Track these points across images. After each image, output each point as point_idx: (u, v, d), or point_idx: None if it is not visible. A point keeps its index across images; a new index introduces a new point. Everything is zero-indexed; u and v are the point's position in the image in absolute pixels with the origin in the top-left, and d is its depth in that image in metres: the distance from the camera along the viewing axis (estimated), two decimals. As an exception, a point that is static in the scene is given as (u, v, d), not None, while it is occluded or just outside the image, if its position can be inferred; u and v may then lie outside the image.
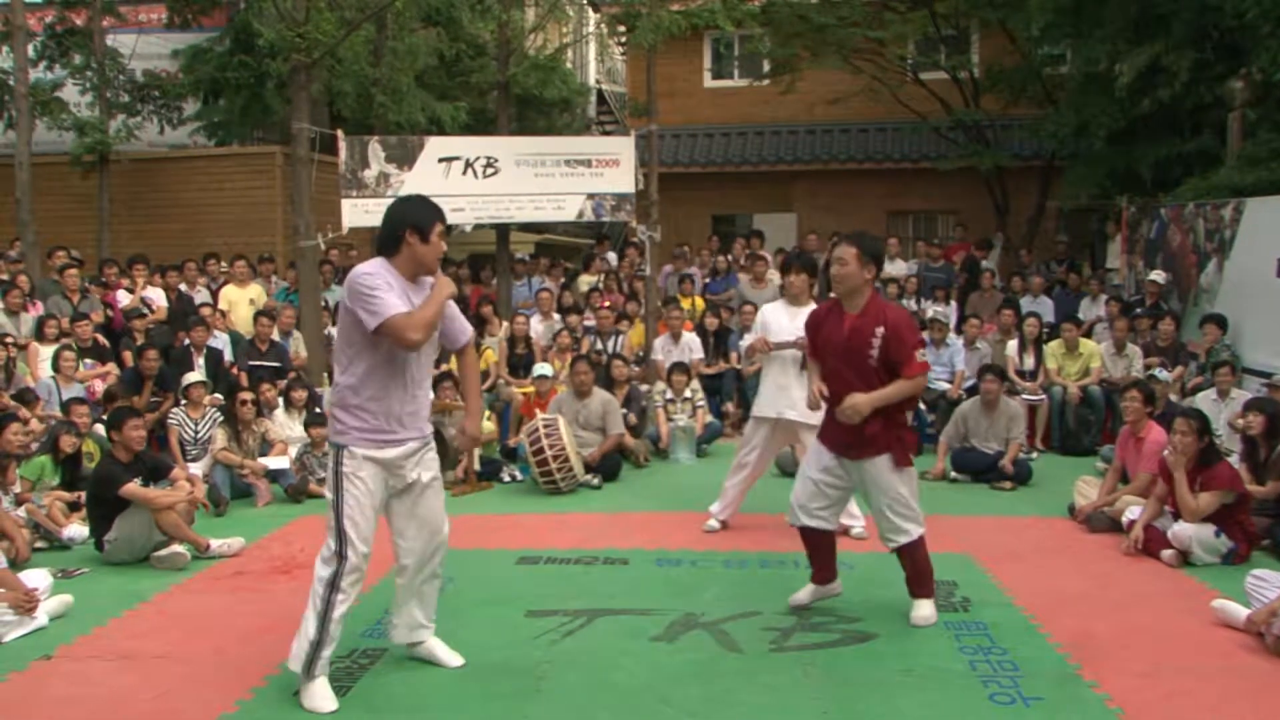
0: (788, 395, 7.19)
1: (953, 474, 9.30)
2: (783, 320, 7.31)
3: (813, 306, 7.28)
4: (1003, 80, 16.01)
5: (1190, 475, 6.61)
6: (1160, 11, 12.41)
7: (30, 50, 14.59)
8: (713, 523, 7.49)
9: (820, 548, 5.65)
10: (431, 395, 4.88)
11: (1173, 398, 9.71)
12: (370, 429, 4.47)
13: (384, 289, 4.33)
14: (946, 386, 10.81)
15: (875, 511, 5.47)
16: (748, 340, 7.66)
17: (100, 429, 8.73)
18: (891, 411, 5.27)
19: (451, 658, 4.93)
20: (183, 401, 9.41)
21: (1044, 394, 10.68)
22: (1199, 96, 12.48)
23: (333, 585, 4.45)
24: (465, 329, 4.93)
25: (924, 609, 5.47)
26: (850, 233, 5.51)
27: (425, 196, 4.69)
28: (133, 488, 6.75)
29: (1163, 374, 9.82)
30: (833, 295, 5.48)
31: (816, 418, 7.10)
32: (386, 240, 4.50)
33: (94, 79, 15.42)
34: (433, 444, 4.75)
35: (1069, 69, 15.38)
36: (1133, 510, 7.08)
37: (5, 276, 10.84)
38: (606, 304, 12.43)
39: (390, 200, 11.61)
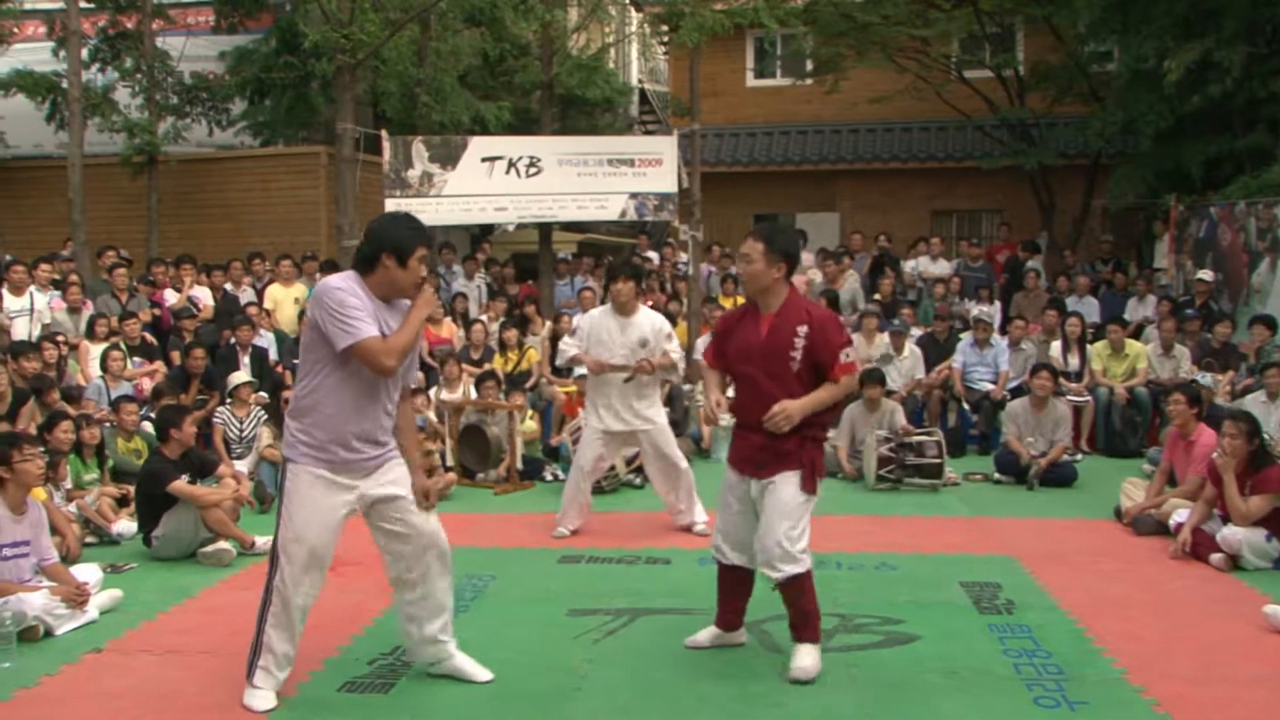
0: (627, 404, 7.16)
1: (996, 475, 9.23)
2: (612, 332, 7.14)
3: (643, 314, 7.26)
4: (1048, 78, 15.85)
5: (1240, 478, 6.51)
6: (1211, 6, 12.23)
7: (83, 54, 14.81)
8: (563, 530, 7.40)
9: (735, 588, 5.04)
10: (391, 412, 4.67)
11: (1220, 400, 9.57)
12: (319, 446, 4.29)
13: (356, 308, 4.14)
14: (990, 387, 10.72)
15: (765, 534, 4.70)
16: (569, 347, 7.38)
17: (148, 426, 8.86)
18: (810, 424, 4.69)
19: (480, 672, 4.69)
20: (228, 400, 9.51)
21: (1089, 395, 10.57)
22: (1251, 92, 12.30)
23: (266, 597, 4.39)
24: (413, 375, 4.66)
25: (806, 658, 4.72)
26: (759, 226, 4.95)
27: (411, 216, 4.44)
28: (180, 485, 6.84)
29: (1205, 379, 9.69)
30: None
31: (660, 420, 7.19)
32: (363, 258, 4.28)
33: (143, 81, 15.64)
34: (396, 457, 4.51)
35: (1116, 66, 15.19)
36: (1180, 513, 6.98)
37: (58, 276, 11.02)
38: (648, 303, 12.43)
39: (434, 200, 11.88)
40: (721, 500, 5.03)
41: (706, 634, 5.16)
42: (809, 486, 4.68)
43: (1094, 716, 4.33)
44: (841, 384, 4.69)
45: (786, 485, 4.68)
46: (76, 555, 6.67)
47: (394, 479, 4.47)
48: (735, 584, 5.03)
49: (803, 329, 4.66)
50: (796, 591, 4.72)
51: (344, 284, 4.23)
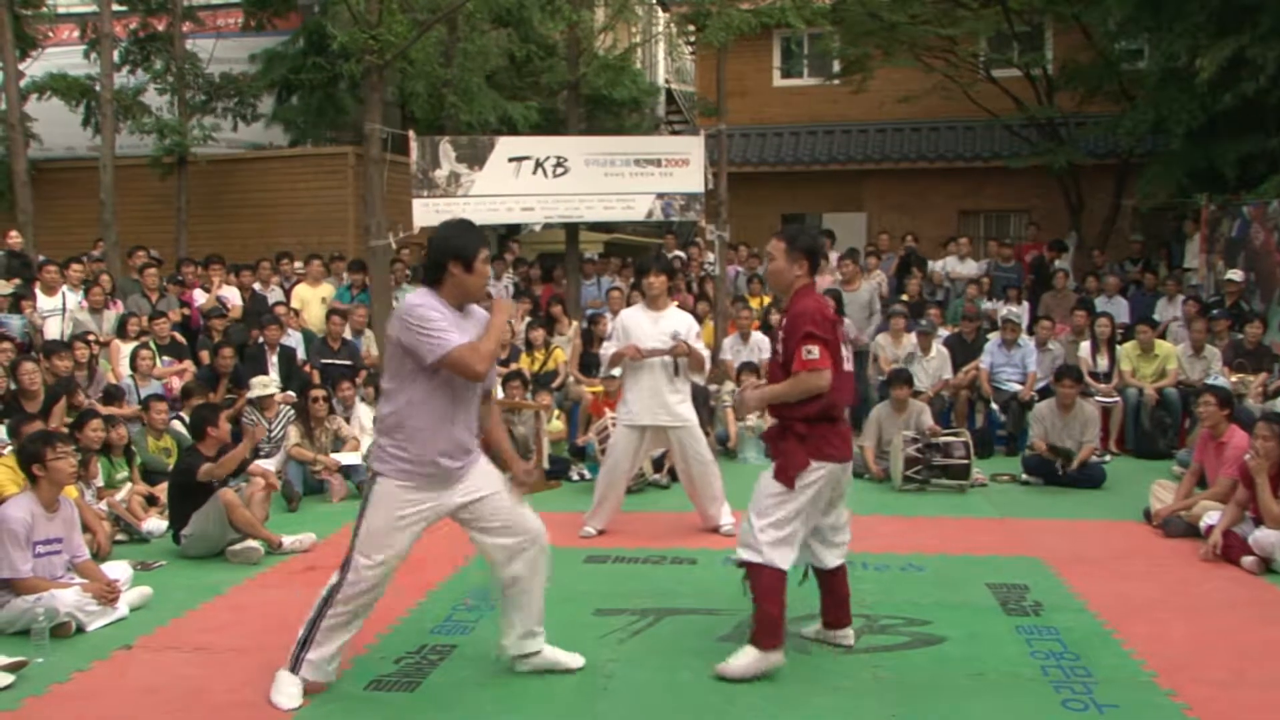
0: (660, 400, 7.18)
1: (1024, 477, 9.17)
2: (644, 325, 7.22)
3: (674, 310, 7.34)
4: (1078, 76, 15.71)
5: (1273, 480, 6.45)
6: (1245, 2, 12.09)
7: (114, 56, 14.95)
8: (589, 529, 7.39)
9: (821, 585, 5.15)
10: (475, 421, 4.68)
11: (1251, 402, 9.48)
12: (414, 461, 4.38)
13: (440, 320, 4.24)
14: (1018, 388, 10.66)
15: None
16: (610, 348, 7.42)
17: (177, 425, 8.94)
18: (786, 417, 4.77)
19: (572, 659, 4.83)
20: (252, 408, 9.52)
21: (1118, 396, 10.49)
22: (1286, 90, 12.16)
23: (328, 598, 4.47)
24: (492, 378, 4.74)
25: (738, 657, 4.70)
26: (783, 227, 5.01)
27: (469, 222, 4.56)
28: (208, 465, 6.91)
29: (1218, 378, 9.64)
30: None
31: (692, 419, 7.22)
32: (431, 270, 4.40)
33: (173, 82, 15.77)
34: (477, 462, 4.60)
35: (1147, 64, 15.05)
36: (1210, 515, 6.92)
37: (89, 276, 11.13)
38: (676, 303, 12.41)
39: (462, 200, 11.90)
40: None
41: (812, 629, 5.23)
42: (780, 477, 4.71)
43: (1123, 720, 4.30)
44: (799, 379, 4.64)
45: (766, 475, 4.81)
46: (107, 553, 6.74)
47: (474, 483, 4.54)
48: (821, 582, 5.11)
49: (784, 322, 4.81)
50: (755, 584, 4.74)
51: (423, 299, 4.33)
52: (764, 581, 4.70)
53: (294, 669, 4.49)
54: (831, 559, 5.05)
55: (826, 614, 5.15)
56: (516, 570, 4.64)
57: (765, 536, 4.68)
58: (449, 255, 4.34)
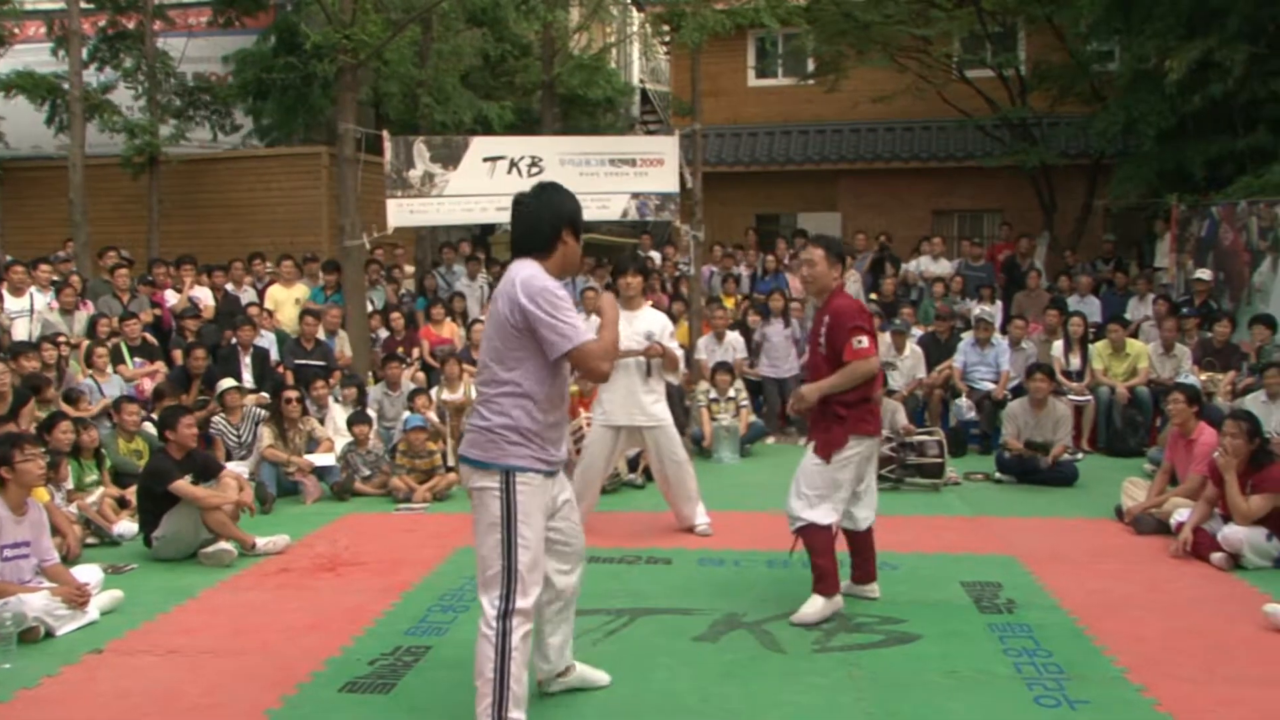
0: (635, 400, 7.19)
1: (998, 475, 9.22)
2: (620, 325, 7.20)
3: (648, 310, 7.39)
4: (1050, 77, 15.85)
5: (1241, 478, 6.50)
6: (1214, 5, 12.22)
7: (83, 53, 14.82)
8: None
9: (851, 545, 5.81)
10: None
11: (1220, 400, 9.57)
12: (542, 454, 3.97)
13: (572, 308, 3.83)
14: (991, 387, 10.71)
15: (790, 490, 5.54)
16: None
17: (149, 427, 8.86)
18: (829, 400, 5.36)
19: (600, 676, 4.62)
20: (220, 413, 9.45)
21: (1090, 395, 10.56)
22: (1253, 92, 12.28)
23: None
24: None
25: (807, 605, 5.46)
26: (816, 235, 5.76)
27: (559, 184, 4.10)
28: (182, 484, 6.84)
29: (1191, 378, 9.73)
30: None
31: (667, 419, 7.30)
32: (539, 239, 3.93)
33: (144, 82, 15.64)
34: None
35: (1118, 66, 15.19)
36: (1181, 513, 6.98)
37: (56, 278, 11.02)
38: (650, 302, 12.41)
39: (436, 200, 11.86)
40: None
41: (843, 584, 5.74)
42: (820, 452, 5.41)
43: (1095, 716, 4.32)
44: (848, 367, 5.28)
45: (808, 453, 5.50)
46: (77, 556, 6.67)
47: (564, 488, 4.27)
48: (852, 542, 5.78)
49: (826, 319, 5.41)
50: (808, 544, 5.44)
51: (552, 281, 3.87)
52: (811, 540, 5.43)
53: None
54: (864, 519, 5.67)
55: (855, 571, 5.81)
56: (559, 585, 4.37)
57: (807, 501, 5.39)
58: (563, 222, 3.94)
